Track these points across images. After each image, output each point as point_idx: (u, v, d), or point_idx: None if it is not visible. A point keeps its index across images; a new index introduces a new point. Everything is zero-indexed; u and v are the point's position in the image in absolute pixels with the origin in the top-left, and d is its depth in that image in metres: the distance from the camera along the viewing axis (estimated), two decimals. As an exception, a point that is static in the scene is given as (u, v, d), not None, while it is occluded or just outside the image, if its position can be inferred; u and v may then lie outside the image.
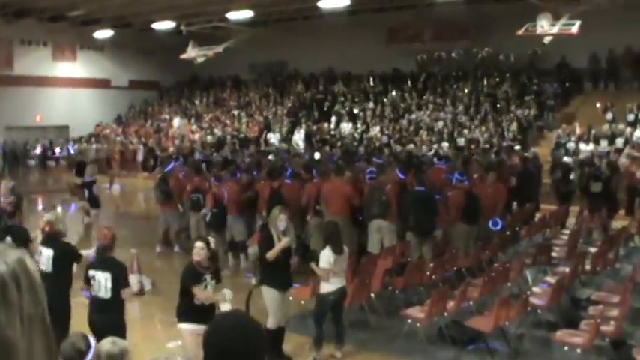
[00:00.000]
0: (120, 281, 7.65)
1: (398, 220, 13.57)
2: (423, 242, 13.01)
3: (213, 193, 14.80)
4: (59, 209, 11.40)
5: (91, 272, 7.76)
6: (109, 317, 7.59)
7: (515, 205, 17.56)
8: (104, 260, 7.87)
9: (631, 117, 24.80)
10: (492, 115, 28.41)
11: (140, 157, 33.68)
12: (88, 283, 7.83)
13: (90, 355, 4.19)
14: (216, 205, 14.56)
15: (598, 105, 25.78)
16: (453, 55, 32.94)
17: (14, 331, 1.81)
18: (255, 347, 2.58)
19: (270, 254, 8.95)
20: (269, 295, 9.11)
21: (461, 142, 26.91)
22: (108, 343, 4.45)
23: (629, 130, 24.15)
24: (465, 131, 27.72)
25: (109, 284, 7.61)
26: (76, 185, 19.46)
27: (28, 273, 1.89)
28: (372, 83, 34.53)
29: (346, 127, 31.42)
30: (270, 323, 8.96)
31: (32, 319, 1.86)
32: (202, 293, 7.67)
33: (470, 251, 13.23)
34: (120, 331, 7.62)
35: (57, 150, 36.12)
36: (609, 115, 25.15)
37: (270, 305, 9.08)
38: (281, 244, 9.00)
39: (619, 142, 23.72)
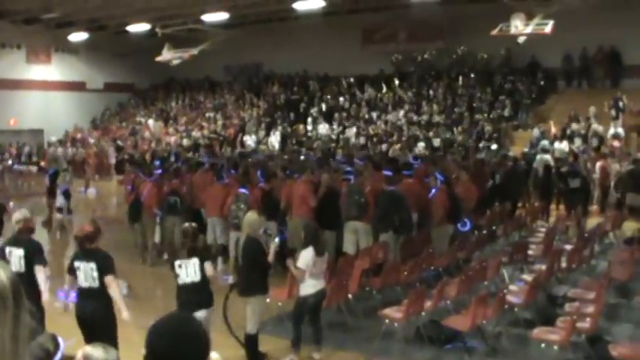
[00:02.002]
0: (105, 269, 7.60)
1: (373, 220, 13.60)
2: (397, 240, 13.10)
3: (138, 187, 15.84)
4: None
5: (76, 263, 7.73)
6: (97, 306, 7.58)
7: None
8: (88, 251, 7.81)
9: (593, 123, 25.01)
10: (468, 114, 28.54)
11: (112, 159, 33.43)
12: (72, 274, 7.79)
13: (58, 356, 4.12)
14: (135, 199, 15.69)
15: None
16: (426, 56, 33.00)
17: None
18: (192, 352, 2.61)
19: (271, 259, 8.94)
20: (260, 302, 9.02)
21: (436, 142, 27.02)
22: (99, 351, 3.92)
23: (601, 128, 24.37)
24: (440, 131, 27.83)
25: (95, 273, 7.58)
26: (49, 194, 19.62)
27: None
28: (345, 84, 34.57)
29: (323, 128, 31.44)
30: (253, 329, 8.94)
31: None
32: None
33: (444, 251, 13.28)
34: (108, 320, 7.59)
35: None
36: (574, 126, 25.36)
37: (257, 312, 8.99)
38: (273, 248, 9.02)
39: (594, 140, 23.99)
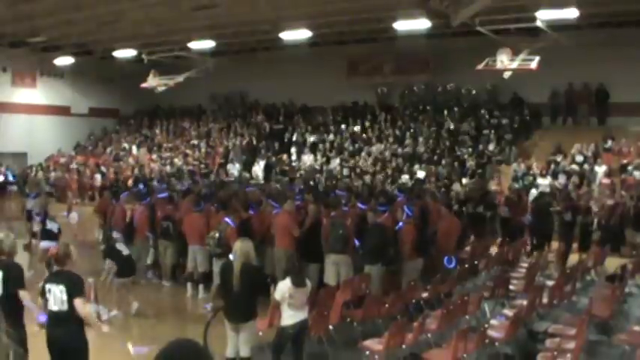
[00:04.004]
0: (74, 292, 7.41)
1: (358, 251, 13.59)
2: (381, 273, 13.10)
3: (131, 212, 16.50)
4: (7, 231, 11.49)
5: (47, 285, 7.56)
6: (67, 331, 7.39)
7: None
8: (58, 273, 7.68)
9: (583, 157, 25.21)
10: (452, 148, 28.60)
11: (98, 184, 33.16)
12: (43, 297, 7.61)
13: None
14: (129, 223, 16.27)
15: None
16: (414, 88, 33.15)
17: None
18: None
19: None
20: (254, 326, 9.28)
21: (421, 174, 27.05)
22: None
23: (585, 166, 24.53)
24: (424, 164, 27.87)
25: (65, 296, 7.38)
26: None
27: None
28: (330, 115, 34.64)
29: (307, 159, 31.45)
30: (249, 351, 9.11)
31: None
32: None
33: (419, 284, 13.23)
34: (80, 345, 7.44)
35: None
36: (559, 157, 25.54)
37: (252, 337, 9.20)
38: None
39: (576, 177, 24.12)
